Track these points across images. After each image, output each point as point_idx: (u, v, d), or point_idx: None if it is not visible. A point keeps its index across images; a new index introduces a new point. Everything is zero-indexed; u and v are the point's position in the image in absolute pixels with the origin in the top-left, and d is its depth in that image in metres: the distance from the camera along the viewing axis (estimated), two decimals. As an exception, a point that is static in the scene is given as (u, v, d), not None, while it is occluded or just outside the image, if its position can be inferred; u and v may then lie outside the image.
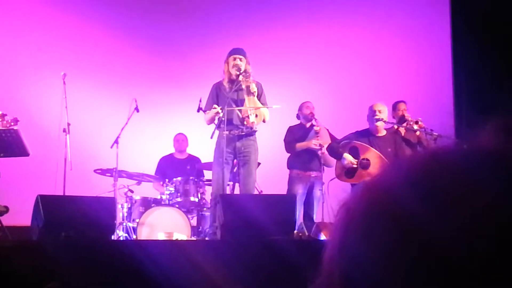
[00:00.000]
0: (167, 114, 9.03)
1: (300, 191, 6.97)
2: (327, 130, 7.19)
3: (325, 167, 7.08)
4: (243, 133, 6.39)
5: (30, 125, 7.57)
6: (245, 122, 6.34)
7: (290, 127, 7.30)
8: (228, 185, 6.64)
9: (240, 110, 6.37)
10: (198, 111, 6.58)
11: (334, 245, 0.60)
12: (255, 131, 6.48)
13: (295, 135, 7.19)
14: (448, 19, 8.76)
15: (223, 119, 6.25)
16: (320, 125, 7.07)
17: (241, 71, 6.38)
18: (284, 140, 7.22)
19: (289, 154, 7.24)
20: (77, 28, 9.17)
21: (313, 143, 6.98)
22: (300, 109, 7.31)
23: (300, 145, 7.08)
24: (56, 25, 9.15)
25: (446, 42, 8.79)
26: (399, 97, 7.47)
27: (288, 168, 7.23)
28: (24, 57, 8.90)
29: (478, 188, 0.54)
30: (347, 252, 0.59)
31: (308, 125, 7.22)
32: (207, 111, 6.49)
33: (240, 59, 6.45)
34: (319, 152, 6.98)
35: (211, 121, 6.49)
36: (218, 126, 6.35)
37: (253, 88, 6.38)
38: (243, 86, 6.38)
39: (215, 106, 6.37)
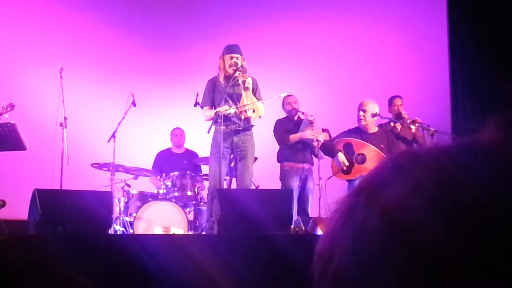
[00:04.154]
0: (164, 108, 9.02)
1: (295, 184, 6.91)
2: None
3: (316, 160, 7.00)
4: (240, 128, 6.38)
5: (27, 119, 7.57)
6: (242, 116, 6.33)
7: (278, 120, 7.20)
8: (225, 179, 6.63)
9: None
10: (195, 105, 6.58)
11: (330, 242, 0.60)
12: (252, 126, 6.47)
13: (286, 127, 7.10)
14: (445, 13, 8.74)
15: (220, 114, 6.25)
16: (312, 116, 6.98)
17: (238, 67, 6.37)
18: (275, 133, 7.11)
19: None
20: (74, 22, 9.15)
21: (308, 134, 6.88)
22: (282, 105, 7.21)
23: (294, 137, 6.97)
24: (52, 19, 9.12)
25: (443, 36, 8.77)
26: (396, 92, 7.45)
27: (279, 162, 7.10)
28: (20, 51, 8.87)
29: (481, 186, 0.53)
30: (343, 250, 0.58)
31: (295, 117, 7.18)
32: (205, 108, 6.49)
33: (237, 58, 6.43)
34: (314, 142, 6.87)
35: (212, 119, 6.47)
36: (215, 121, 6.33)
37: (248, 82, 6.37)
38: (240, 81, 6.37)
39: (219, 109, 6.31)
